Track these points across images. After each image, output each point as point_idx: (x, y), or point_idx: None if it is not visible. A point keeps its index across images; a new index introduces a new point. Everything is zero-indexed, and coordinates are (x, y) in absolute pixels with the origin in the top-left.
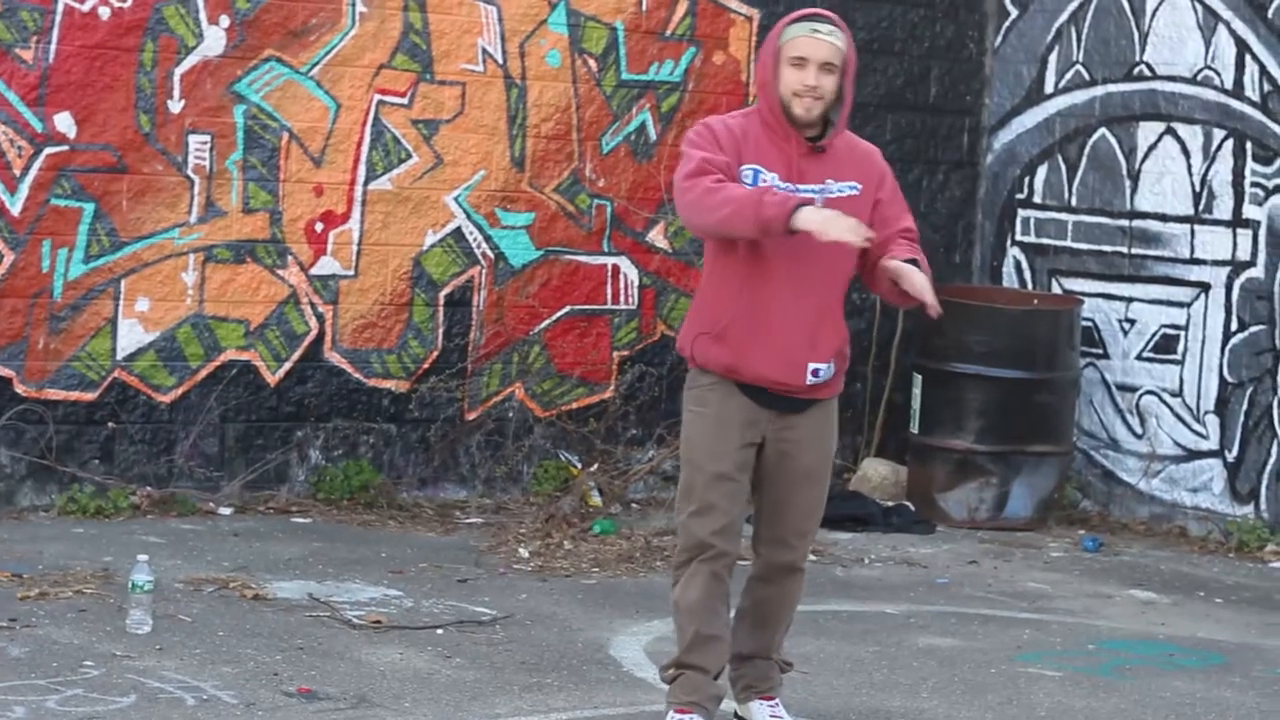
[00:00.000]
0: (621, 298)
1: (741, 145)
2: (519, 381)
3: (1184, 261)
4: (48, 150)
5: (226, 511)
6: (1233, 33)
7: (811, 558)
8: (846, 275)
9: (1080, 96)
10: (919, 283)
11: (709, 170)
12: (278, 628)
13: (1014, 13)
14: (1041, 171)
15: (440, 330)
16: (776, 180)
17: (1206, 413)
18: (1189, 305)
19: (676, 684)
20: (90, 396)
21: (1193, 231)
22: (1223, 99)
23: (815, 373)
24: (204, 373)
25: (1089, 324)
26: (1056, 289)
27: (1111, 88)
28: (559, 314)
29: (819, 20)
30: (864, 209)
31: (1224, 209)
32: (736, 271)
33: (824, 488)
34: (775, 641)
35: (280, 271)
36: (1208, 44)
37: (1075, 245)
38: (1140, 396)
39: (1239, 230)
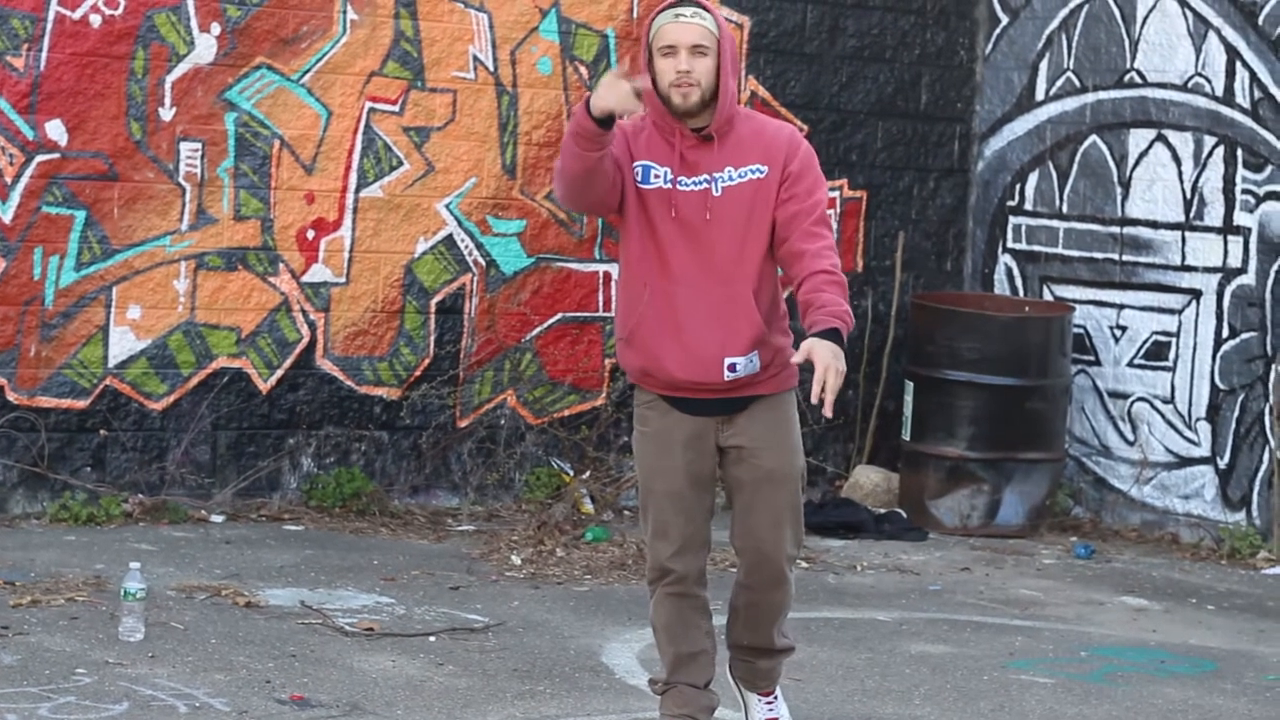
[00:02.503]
0: (613, 305)
1: (633, 142)
2: (511, 389)
3: (1175, 268)
4: (39, 158)
5: (218, 519)
6: (1223, 40)
7: (803, 565)
8: (757, 259)
9: (1071, 103)
10: (828, 383)
11: None
12: (270, 635)
13: (1005, 20)
14: (1032, 179)
15: (432, 338)
16: (668, 174)
17: (1198, 419)
18: (1180, 312)
19: (667, 697)
20: (82, 404)
21: (1184, 238)
22: (1213, 106)
23: (733, 368)
24: (195, 380)
25: (1080, 331)
26: (1048, 296)
27: (1102, 95)
28: (551, 321)
29: (682, 4)
30: (769, 192)
31: (1215, 216)
32: (638, 268)
33: (793, 490)
34: (773, 636)
35: (272, 279)
36: (1198, 51)
37: (1066, 252)
38: (1132, 403)
39: (1230, 237)
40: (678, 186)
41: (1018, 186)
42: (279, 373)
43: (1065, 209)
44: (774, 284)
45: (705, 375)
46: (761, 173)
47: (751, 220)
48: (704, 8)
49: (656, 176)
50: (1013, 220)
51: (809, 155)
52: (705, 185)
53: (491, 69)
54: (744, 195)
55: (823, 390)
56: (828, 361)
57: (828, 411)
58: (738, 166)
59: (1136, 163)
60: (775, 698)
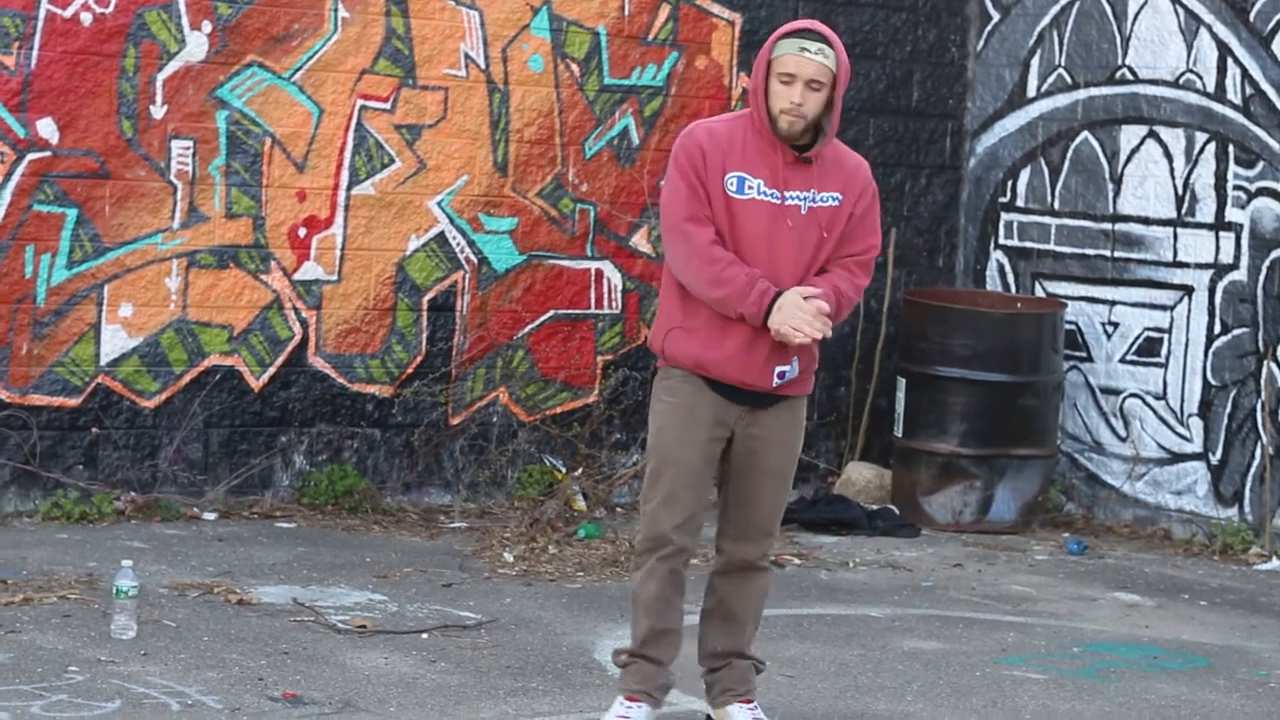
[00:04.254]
0: (605, 302)
1: (728, 152)
2: (503, 386)
3: (1167, 264)
4: (30, 156)
5: (210, 516)
6: (1214, 36)
7: (795, 561)
8: (813, 274)
9: (1062, 100)
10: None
11: (699, 220)
12: (262, 633)
13: (996, 16)
14: (1024, 175)
15: (424, 335)
16: (762, 186)
17: (1190, 415)
18: (1172, 308)
19: (628, 671)
20: (74, 402)
21: (1175, 234)
22: (1205, 102)
23: (781, 374)
24: (187, 378)
25: (1072, 327)
26: (1040, 292)
27: (1094, 91)
28: (542, 319)
29: (809, 37)
30: (842, 221)
31: (1206, 212)
32: None
33: (788, 486)
34: (747, 639)
35: (263, 277)
36: (1189, 47)
37: (1058, 249)
38: (1124, 399)
39: (1222, 233)
40: (770, 199)
41: (1009, 183)
42: (271, 370)
43: (1057, 205)
44: None
45: (757, 379)
46: (837, 201)
47: (823, 243)
48: (829, 42)
49: (750, 188)
50: (1004, 217)
51: (875, 195)
52: (795, 203)
53: (483, 66)
54: (821, 218)
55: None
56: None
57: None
58: (821, 190)
59: (1128, 159)
60: (756, 706)
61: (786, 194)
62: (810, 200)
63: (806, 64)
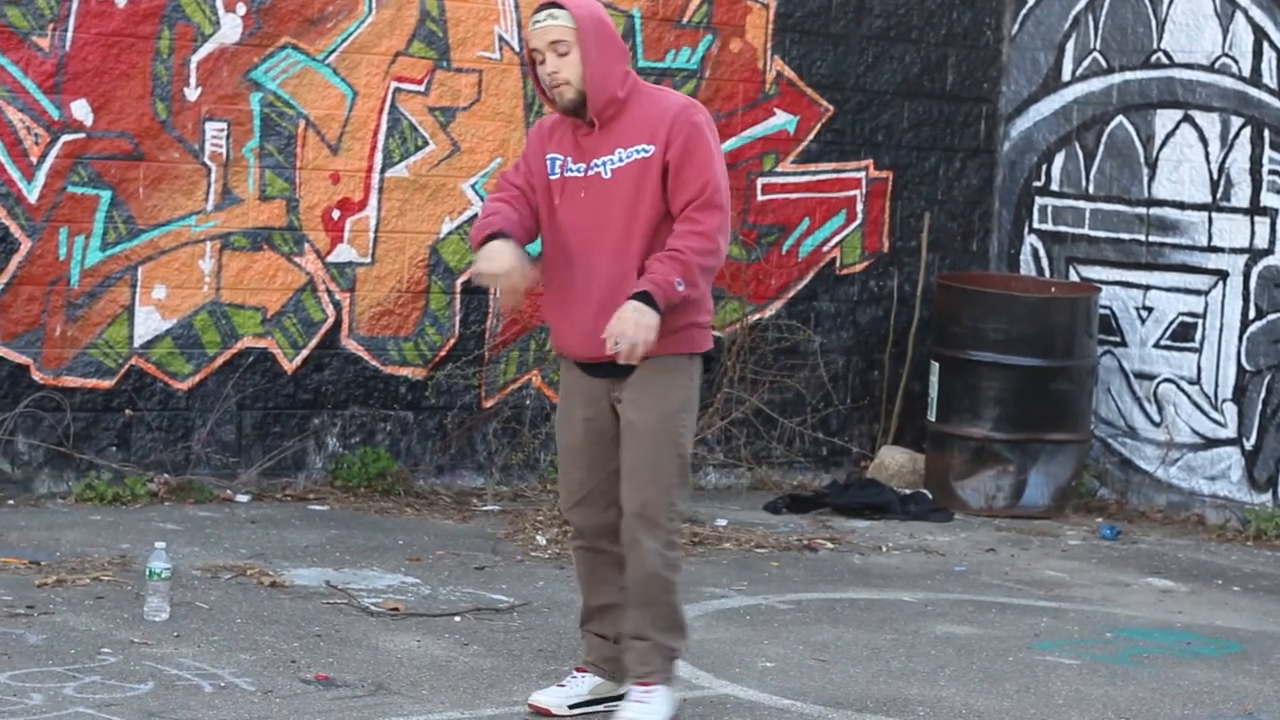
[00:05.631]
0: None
1: (548, 137)
2: (536, 369)
3: (1201, 249)
4: (64, 138)
5: (243, 499)
6: (1250, 20)
7: (829, 545)
8: (646, 236)
9: (1097, 84)
10: (612, 330)
11: (500, 188)
12: (295, 615)
13: (1031, 0)
14: (1059, 159)
15: (457, 318)
16: (570, 162)
17: (1224, 401)
18: (1207, 293)
19: (581, 644)
20: (107, 384)
21: (1210, 219)
22: (1240, 86)
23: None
24: (221, 360)
25: (1106, 312)
26: (1074, 277)
27: (1129, 75)
28: None
29: (538, 11)
30: (654, 171)
31: (1242, 196)
32: (547, 245)
33: (657, 450)
34: (645, 622)
35: (297, 259)
36: (1225, 31)
37: (1093, 233)
38: (1158, 384)
39: (1257, 218)
40: (570, 173)
41: (1044, 167)
42: (304, 353)
43: (1091, 190)
44: None
45: (591, 350)
46: (646, 152)
47: (639, 199)
48: (558, 5)
49: (561, 166)
50: (1039, 201)
51: (693, 133)
52: (597, 170)
53: (517, 49)
54: (631, 175)
55: (616, 343)
56: (620, 315)
57: (610, 350)
58: (626, 147)
59: (1163, 143)
60: (651, 689)
61: (590, 165)
62: (615, 162)
63: (539, 33)
